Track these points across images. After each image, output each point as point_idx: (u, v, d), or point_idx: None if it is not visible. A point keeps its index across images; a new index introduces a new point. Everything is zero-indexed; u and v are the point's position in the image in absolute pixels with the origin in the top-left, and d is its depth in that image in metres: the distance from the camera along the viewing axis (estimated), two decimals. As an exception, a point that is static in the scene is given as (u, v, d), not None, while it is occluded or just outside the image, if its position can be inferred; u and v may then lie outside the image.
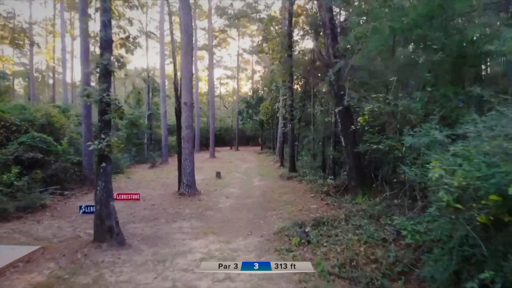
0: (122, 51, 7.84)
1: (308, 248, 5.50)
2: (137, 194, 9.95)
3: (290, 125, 14.26)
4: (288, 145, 14.62)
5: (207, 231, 6.69)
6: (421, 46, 6.51)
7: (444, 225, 3.68)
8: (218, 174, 14.18)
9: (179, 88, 10.53)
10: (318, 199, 9.49)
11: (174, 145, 28.87)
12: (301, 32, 15.61)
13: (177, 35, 13.16)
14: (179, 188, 10.17)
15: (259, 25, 22.40)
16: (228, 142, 40.44)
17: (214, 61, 38.15)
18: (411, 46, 8.01)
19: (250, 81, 49.34)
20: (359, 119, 5.44)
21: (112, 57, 5.50)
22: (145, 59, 48.02)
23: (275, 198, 9.82)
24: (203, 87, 46.43)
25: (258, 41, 20.73)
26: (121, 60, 5.58)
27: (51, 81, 36.98)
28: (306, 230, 6.06)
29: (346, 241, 5.38)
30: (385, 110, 5.69)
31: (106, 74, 5.49)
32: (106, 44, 5.50)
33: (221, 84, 54.30)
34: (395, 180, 7.33)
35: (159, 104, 22.17)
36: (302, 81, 17.53)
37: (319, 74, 15.38)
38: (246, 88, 50.79)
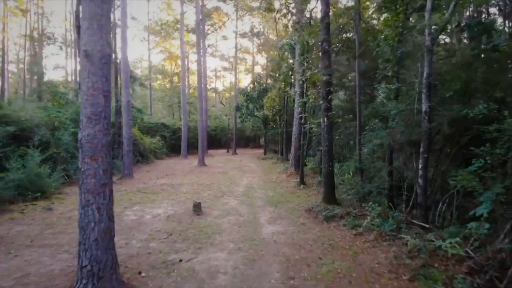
0: None
1: None
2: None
3: (325, 120, 8.00)
4: (323, 155, 8.23)
5: None
6: None
7: None
8: (197, 207, 7.92)
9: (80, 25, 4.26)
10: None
11: (152, 148, 22.56)
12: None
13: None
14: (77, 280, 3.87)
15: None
16: (225, 143, 34.17)
17: (207, 46, 31.91)
18: None
19: (250, 74, 43.17)
20: None
21: None
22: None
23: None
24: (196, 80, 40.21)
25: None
26: None
27: None
28: None
29: None
30: None
31: None
32: None
33: (217, 77, 47.97)
34: None
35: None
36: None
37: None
38: (246, 82, 44.61)
